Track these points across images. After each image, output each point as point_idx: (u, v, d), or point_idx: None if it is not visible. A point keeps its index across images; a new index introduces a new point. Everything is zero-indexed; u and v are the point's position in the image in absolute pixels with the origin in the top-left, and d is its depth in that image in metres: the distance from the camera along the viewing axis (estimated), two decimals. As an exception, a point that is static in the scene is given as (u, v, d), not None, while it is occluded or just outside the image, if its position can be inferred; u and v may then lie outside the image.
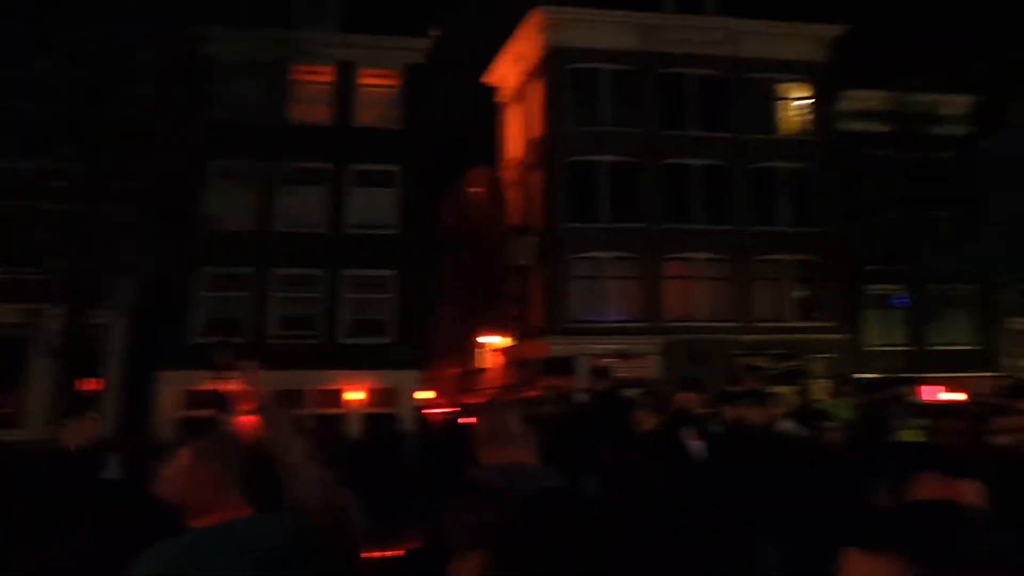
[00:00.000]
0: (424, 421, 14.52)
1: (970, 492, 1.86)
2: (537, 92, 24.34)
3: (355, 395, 19.61)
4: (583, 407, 7.73)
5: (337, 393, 19.65)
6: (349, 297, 20.44)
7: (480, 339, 26.98)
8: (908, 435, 5.51)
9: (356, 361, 19.38)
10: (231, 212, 19.22)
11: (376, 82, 21.81)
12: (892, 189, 22.03)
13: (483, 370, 27.47)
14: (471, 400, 19.88)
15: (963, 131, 24.50)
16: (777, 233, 23.39)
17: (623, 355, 21.20)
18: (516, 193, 25.90)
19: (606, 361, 17.29)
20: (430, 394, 23.98)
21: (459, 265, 31.08)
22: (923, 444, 3.82)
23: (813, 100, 24.43)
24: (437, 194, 29.87)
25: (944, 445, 3.36)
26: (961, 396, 9.92)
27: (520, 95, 26.16)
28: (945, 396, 11.11)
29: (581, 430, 6.55)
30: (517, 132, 26.39)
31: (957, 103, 24.45)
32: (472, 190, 30.14)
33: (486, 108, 28.98)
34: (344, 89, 21.43)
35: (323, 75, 21.16)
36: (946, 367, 21.05)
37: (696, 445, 4.81)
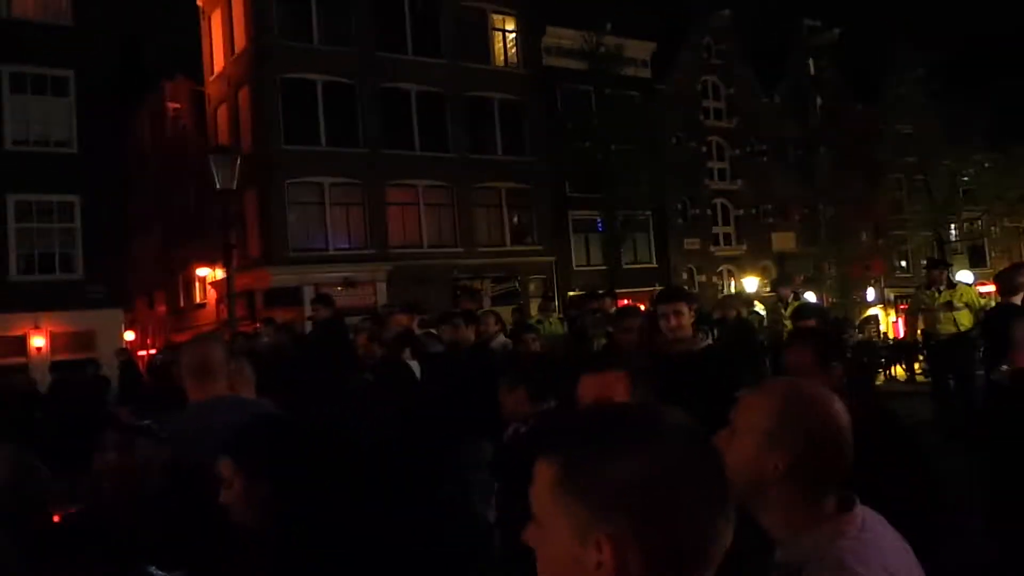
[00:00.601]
0: (128, 365, 13.16)
1: (620, 385, 2.14)
2: (239, -1, 22.33)
3: (39, 341, 17.12)
4: (305, 336, 7.61)
5: (19, 340, 17.00)
6: (20, 228, 17.36)
7: (193, 272, 24.98)
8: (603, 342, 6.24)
9: (38, 302, 16.78)
10: None
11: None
12: (588, 123, 24.13)
13: (199, 306, 25.57)
14: (184, 339, 18.45)
15: (645, 73, 27.55)
16: (492, 161, 24.50)
17: (349, 283, 21.08)
18: (224, 109, 23.87)
19: (329, 289, 17.07)
20: (132, 335, 21.82)
21: (161, 190, 28.12)
22: (605, 348, 4.38)
23: (522, 34, 25.58)
24: (126, 107, 26.36)
25: (621, 346, 3.89)
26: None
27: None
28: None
29: (304, 359, 6.48)
30: (221, 42, 24.12)
31: (641, 48, 27.30)
32: (171, 105, 27.15)
33: (187, 12, 25.90)
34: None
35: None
36: (635, 283, 24.08)
37: (414, 364, 5.02)
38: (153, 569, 1.89)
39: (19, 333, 17.02)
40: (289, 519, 1.86)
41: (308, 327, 8.18)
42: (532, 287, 24.42)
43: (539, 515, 0.89)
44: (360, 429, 3.41)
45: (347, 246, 22.23)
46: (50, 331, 17.27)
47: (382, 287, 21.64)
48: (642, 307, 8.15)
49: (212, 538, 1.94)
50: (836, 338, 3.70)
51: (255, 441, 1.96)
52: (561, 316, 9.73)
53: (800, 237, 29.63)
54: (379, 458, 2.96)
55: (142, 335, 28.18)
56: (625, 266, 26.04)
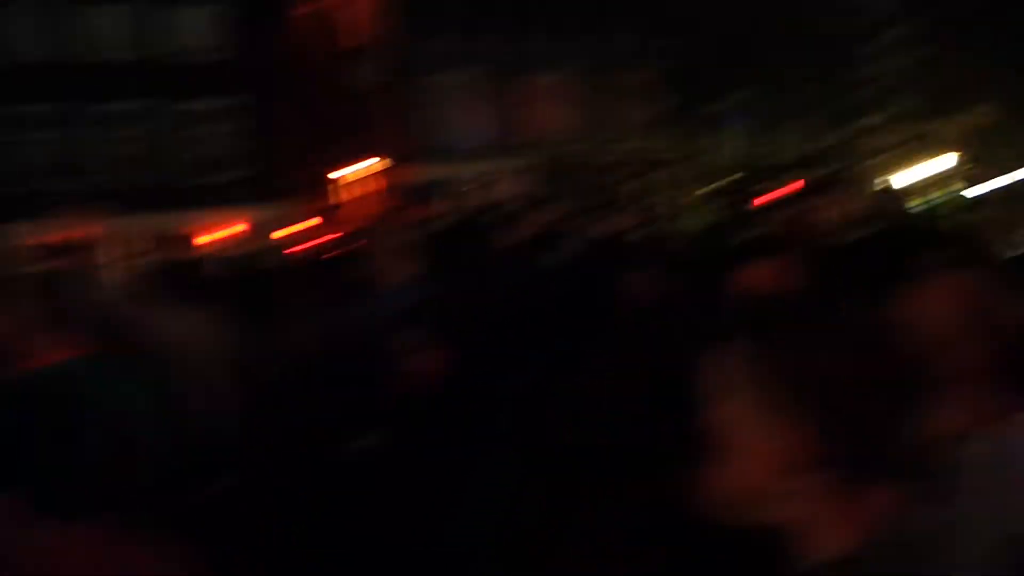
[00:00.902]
0: (290, 257, 14.13)
1: (786, 272, 2.05)
2: None
3: (215, 236, 18.69)
4: (445, 231, 7.76)
5: (185, 238, 18.68)
6: (186, 131, 18.71)
7: (337, 171, 26.07)
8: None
9: (200, 202, 18.22)
10: (19, 39, 16.61)
11: None
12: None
13: (344, 202, 26.81)
14: (336, 233, 19.46)
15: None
16: (624, 52, 23.41)
17: (485, 178, 21.29)
18: (354, 10, 24.10)
19: (468, 186, 17.33)
20: (292, 229, 23.30)
21: (302, 92, 29.15)
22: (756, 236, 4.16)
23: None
24: (267, 12, 27.24)
25: (776, 234, 3.69)
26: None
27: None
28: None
29: (444, 254, 6.61)
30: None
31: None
32: (303, 7, 27.72)
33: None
34: None
35: None
36: (790, 172, 22.53)
37: (553, 257, 4.99)
38: (358, 437, 2.04)
39: (185, 231, 18.68)
40: (471, 389, 1.92)
41: (446, 222, 8.34)
42: (671, 179, 23.64)
43: (726, 396, 0.93)
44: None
45: (481, 141, 22.34)
46: (222, 227, 18.80)
47: (519, 182, 21.70)
48: (797, 197, 7.69)
49: (397, 407, 2.05)
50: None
51: (448, 315, 2.02)
52: (708, 205, 9.36)
53: (986, 120, 26.41)
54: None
55: (294, 233, 30.01)
56: (776, 155, 24.47)
